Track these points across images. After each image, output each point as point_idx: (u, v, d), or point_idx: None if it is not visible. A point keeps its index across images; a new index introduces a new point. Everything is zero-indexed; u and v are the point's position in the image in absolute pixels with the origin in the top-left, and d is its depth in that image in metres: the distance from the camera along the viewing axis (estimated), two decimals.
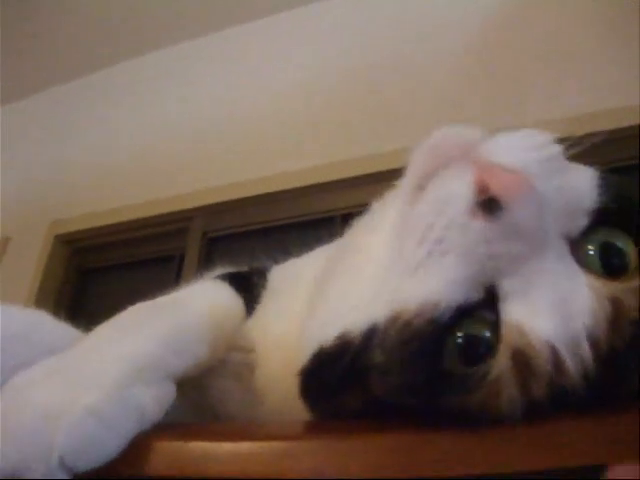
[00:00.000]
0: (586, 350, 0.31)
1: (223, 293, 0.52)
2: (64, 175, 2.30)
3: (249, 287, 0.55)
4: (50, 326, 0.47)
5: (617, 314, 0.31)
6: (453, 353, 0.32)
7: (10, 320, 0.44)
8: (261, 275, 0.57)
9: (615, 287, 0.32)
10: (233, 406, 0.50)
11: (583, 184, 0.35)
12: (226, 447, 0.35)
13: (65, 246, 2.21)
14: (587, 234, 0.34)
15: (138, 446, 0.35)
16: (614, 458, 0.29)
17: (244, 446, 0.34)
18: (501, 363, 0.31)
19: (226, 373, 0.50)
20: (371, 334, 0.34)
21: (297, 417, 0.41)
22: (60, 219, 2.23)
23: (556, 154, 0.36)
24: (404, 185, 0.37)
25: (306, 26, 2.12)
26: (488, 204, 0.32)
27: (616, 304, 0.31)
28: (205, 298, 0.50)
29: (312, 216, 1.79)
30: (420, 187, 0.36)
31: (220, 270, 0.59)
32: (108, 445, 0.33)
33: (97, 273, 2.22)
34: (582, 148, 0.37)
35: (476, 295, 0.32)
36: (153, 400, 0.37)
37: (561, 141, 0.36)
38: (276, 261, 0.61)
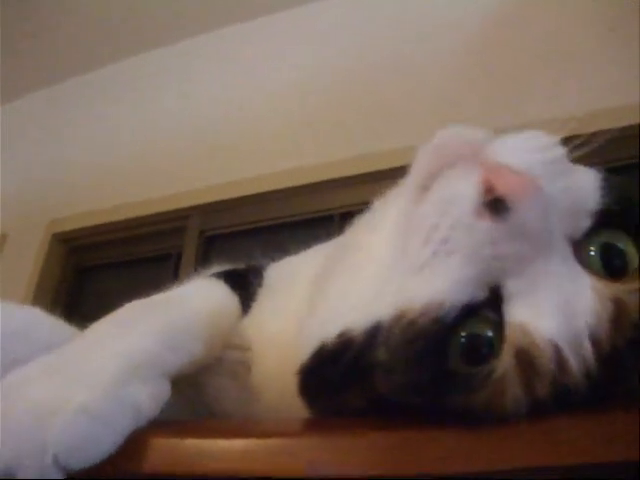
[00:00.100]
0: (588, 350, 0.31)
1: (219, 291, 0.52)
2: (61, 174, 2.30)
3: (245, 285, 0.55)
4: (46, 323, 0.47)
5: (619, 314, 0.32)
6: (457, 352, 0.32)
7: (9, 317, 0.44)
8: (257, 273, 0.57)
9: (617, 288, 0.32)
10: (229, 404, 0.50)
11: (586, 185, 0.36)
12: (221, 444, 0.35)
13: (62, 244, 2.21)
14: (589, 235, 0.34)
15: (134, 443, 0.35)
16: (614, 456, 0.29)
17: (239, 443, 0.35)
18: (505, 362, 0.31)
19: (222, 371, 0.50)
20: (375, 332, 0.34)
21: (293, 415, 0.41)
22: (57, 218, 2.22)
23: (560, 156, 0.36)
24: (408, 184, 0.38)
25: (303, 25, 2.12)
26: (494, 205, 0.32)
27: (618, 305, 0.32)
28: (201, 296, 0.50)
29: (309, 215, 1.79)
30: (424, 187, 0.36)
31: (217, 268, 0.59)
32: (102, 443, 0.33)
33: (94, 271, 2.22)
34: (588, 149, 0.37)
35: (481, 295, 0.33)
36: (148, 397, 0.37)
37: (565, 142, 0.37)
38: (272, 259, 0.61)
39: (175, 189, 2.02)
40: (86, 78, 2.47)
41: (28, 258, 2.16)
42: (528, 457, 0.30)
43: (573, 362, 0.31)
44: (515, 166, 0.33)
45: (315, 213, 1.77)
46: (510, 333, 0.32)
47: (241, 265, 0.60)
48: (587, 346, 0.31)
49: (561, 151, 0.36)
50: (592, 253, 0.34)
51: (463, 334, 0.32)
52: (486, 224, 0.32)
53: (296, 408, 0.40)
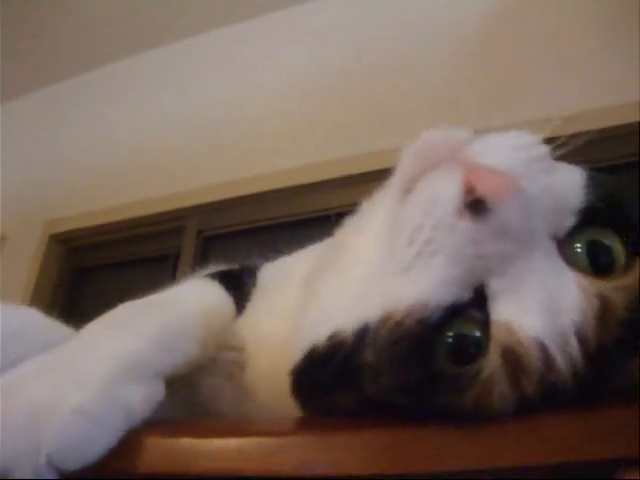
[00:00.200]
0: (575, 347, 0.31)
1: (213, 292, 0.53)
2: (59, 174, 2.30)
3: (239, 285, 0.55)
4: (42, 324, 0.47)
5: (605, 311, 0.32)
6: (444, 353, 0.32)
7: (5, 318, 0.44)
8: (251, 273, 0.57)
9: (603, 285, 0.32)
10: (224, 403, 0.50)
11: (570, 184, 0.36)
12: (215, 443, 0.35)
13: (60, 245, 2.21)
14: (575, 233, 0.34)
15: (129, 442, 0.35)
16: (602, 454, 0.29)
17: (233, 442, 0.35)
18: (492, 361, 0.31)
19: (217, 371, 0.50)
20: (363, 334, 0.34)
21: (287, 414, 0.41)
22: (55, 218, 2.22)
23: (543, 154, 0.36)
24: (393, 186, 0.38)
25: (301, 25, 2.12)
26: (475, 205, 0.32)
27: (604, 301, 0.32)
28: (195, 297, 0.50)
29: (308, 215, 1.79)
30: (409, 188, 0.36)
31: (213, 268, 0.60)
32: (96, 444, 0.33)
33: (92, 272, 2.22)
34: (569, 148, 0.37)
35: (466, 295, 0.33)
36: (142, 398, 0.37)
37: (548, 141, 0.37)
38: (267, 259, 0.61)
39: (173, 189, 2.02)
40: (83, 78, 2.47)
41: (26, 259, 2.16)
42: (517, 455, 0.30)
43: (560, 360, 0.31)
44: (496, 166, 0.33)
45: (313, 213, 1.77)
46: (496, 332, 0.32)
47: (236, 265, 0.61)
48: (573, 343, 0.31)
49: (544, 150, 0.36)
50: (578, 250, 0.34)
51: (450, 334, 0.33)
52: (467, 224, 0.32)
53: (290, 407, 0.40)
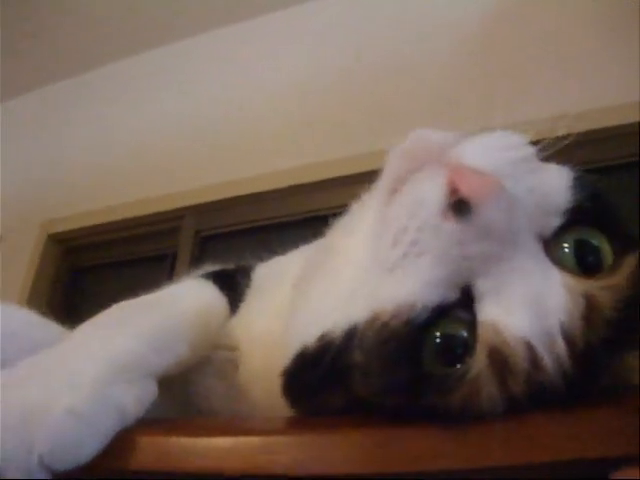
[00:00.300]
0: (562, 346, 0.31)
1: (207, 292, 0.53)
2: (57, 174, 2.29)
3: (233, 285, 0.55)
4: (36, 324, 0.47)
5: (591, 311, 0.32)
6: (432, 353, 0.33)
7: (1, 319, 0.44)
8: (245, 273, 0.58)
9: (590, 284, 0.32)
10: (217, 402, 0.50)
11: (556, 184, 0.36)
12: (206, 442, 0.36)
13: (57, 245, 2.21)
14: (562, 233, 0.34)
15: (122, 441, 0.36)
16: (591, 454, 0.30)
17: (224, 441, 0.35)
18: (479, 362, 0.31)
19: (211, 370, 0.50)
20: (351, 335, 0.34)
21: (280, 413, 0.41)
22: (52, 218, 2.22)
23: (529, 155, 0.36)
24: (380, 188, 0.38)
25: (301, 25, 2.11)
26: (458, 206, 0.32)
27: (590, 301, 0.32)
28: (189, 297, 0.51)
29: (306, 215, 1.78)
30: (395, 189, 0.36)
31: (207, 268, 0.60)
32: (87, 445, 0.34)
33: (89, 272, 2.22)
34: (555, 149, 0.37)
35: (452, 295, 0.33)
36: (134, 398, 0.38)
37: (535, 143, 0.37)
38: (261, 259, 0.61)
39: (170, 189, 2.02)
40: (82, 78, 2.46)
41: (23, 258, 2.16)
42: (505, 455, 0.30)
43: (547, 359, 0.31)
44: (481, 166, 0.34)
45: (311, 213, 1.77)
46: (483, 332, 0.32)
47: (230, 265, 0.61)
48: (560, 343, 0.31)
49: (530, 150, 0.36)
50: (565, 250, 0.34)
51: (437, 335, 0.33)
52: (452, 225, 0.32)
53: (282, 407, 0.41)
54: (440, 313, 0.33)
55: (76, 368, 0.37)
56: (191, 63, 2.27)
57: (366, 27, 1.96)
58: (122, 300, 0.46)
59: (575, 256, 0.34)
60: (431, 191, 0.34)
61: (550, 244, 0.34)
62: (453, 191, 0.33)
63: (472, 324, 0.32)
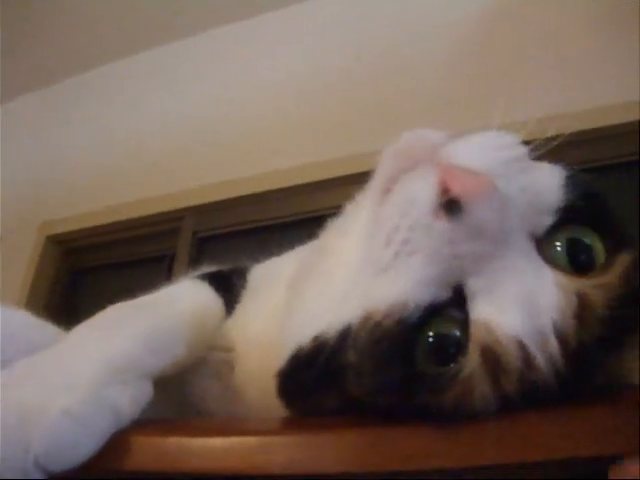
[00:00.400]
0: (554, 345, 0.31)
1: (203, 293, 0.53)
2: (55, 175, 2.29)
3: (229, 286, 0.55)
4: (32, 325, 0.47)
5: (584, 309, 0.32)
6: (424, 352, 0.33)
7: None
8: (241, 275, 0.58)
9: (582, 283, 0.33)
10: (213, 403, 0.50)
11: (549, 183, 0.36)
12: (202, 442, 0.36)
13: (56, 246, 2.20)
14: (554, 232, 0.35)
15: (119, 442, 0.36)
16: (584, 452, 0.30)
17: (219, 441, 0.35)
18: (472, 361, 0.31)
19: (206, 371, 0.50)
20: (345, 335, 0.35)
21: (276, 413, 0.42)
22: (51, 220, 2.22)
23: (521, 154, 0.36)
24: (372, 188, 0.38)
25: (300, 24, 2.11)
26: (450, 205, 0.32)
27: (583, 299, 0.32)
28: (185, 298, 0.51)
29: (304, 215, 1.78)
30: (388, 189, 0.36)
31: (204, 269, 0.60)
32: (83, 446, 0.34)
33: (88, 273, 2.21)
34: (547, 149, 0.37)
35: (444, 295, 0.33)
36: (129, 399, 0.38)
37: (527, 142, 0.37)
38: (257, 261, 0.61)
39: (168, 190, 2.01)
40: (79, 79, 2.46)
41: (22, 260, 2.15)
42: (498, 454, 0.30)
43: (539, 358, 0.31)
44: (472, 166, 0.34)
45: (310, 213, 1.77)
46: (475, 331, 0.32)
47: (225, 266, 0.61)
48: (553, 342, 0.31)
49: (522, 150, 0.37)
50: (558, 249, 0.34)
51: (430, 334, 0.33)
52: (443, 224, 0.32)
53: (278, 407, 0.41)
54: (432, 312, 0.33)
55: (72, 369, 0.37)
56: (190, 63, 2.26)
57: (366, 27, 1.95)
58: (121, 301, 0.46)
59: (567, 255, 0.34)
60: (423, 190, 0.34)
61: (542, 243, 0.34)
62: (444, 190, 0.33)
63: (464, 323, 0.33)
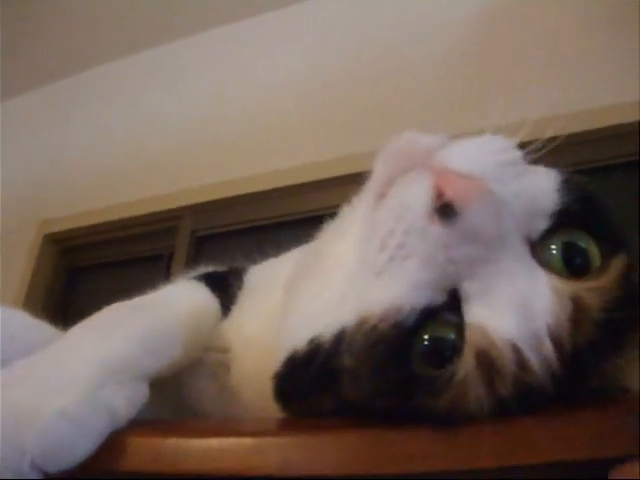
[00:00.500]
0: (549, 349, 0.31)
1: (199, 294, 0.53)
2: (53, 174, 2.29)
3: (225, 287, 0.55)
4: (29, 325, 0.47)
5: (578, 312, 0.32)
6: (420, 356, 0.33)
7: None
8: (237, 276, 0.58)
9: (577, 286, 0.32)
10: (210, 404, 0.50)
11: (544, 186, 0.36)
12: (198, 443, 0.36)
13: (54, 245, 2.20)
14: (549, 235, 0.35)
15: (116, 443, 0.36)
16: (579, 455, 0.30)
17: (215, 442, 0.35)
18: (467, 363, 0.31)
19: (203, 372, 0.51)
20: (340, 338, 0.35)
21: (272, 415, 0.42)
22: (49, 218, 2.22)
23: (515, 158, 0.36)
24: (368, 191, 0.38)
25: (300, 24, 2.11)
26: (444, 209, 0.32)
27: (577, 303, 0.32)
28: (181, 299, 0.51)
29: (303, 215, 1.78)
30: (383, 193, 0.36)
31: (201, 270, 0.60)
32: (79, 447, 0.34)
33: (86, 272, 2.21)
34: (542, 152, 0.37)
35: (439, 298, 0.33)
36: (125, 400, 0.38)
37: (522, 146, 0.37)
38: (254, 261, 0.61)
39: (167, 189, 2.02)
40: (79, 79, 2.46)
41: (20, 259, 2.15)
42: (494, 456, 0.30)
43: (534, 362, 0.31)
44: (467, 170, 0.34)
45: (308, 213, 1.77)
46: (470, 335, 0.32)
47: (222, 267, 0.61)
48: (548, 345, 0.31)
49: (517, 154, 0.37)
50: (553, 252, 0.34)
51: (426, 337, 0.33)
52: (437, 229, 0.32)
53: (273, 408, 0.41)
54: (428, 316, 0.33)
55: (68, 370, 0.37)
56: (190, 63, 2.27)
57: (366, 27, 1.95)
58: (118, 300, 0.47)
59: (562, 258, 0.34)
60: (417, 194, 0.34)
61: (537, 247, 0.34)
62: (439, 195, 0.33)
63: (460, 326, 0.33)
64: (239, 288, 0.56)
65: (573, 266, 0.34)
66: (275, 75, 2.04)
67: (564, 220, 0.35)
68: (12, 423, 0.33)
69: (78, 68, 2.43)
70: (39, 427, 0.33)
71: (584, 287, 0.32)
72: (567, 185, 0.36)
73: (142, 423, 0.39)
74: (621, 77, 1.47)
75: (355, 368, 0.34)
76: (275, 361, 0.40)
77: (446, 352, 0.32)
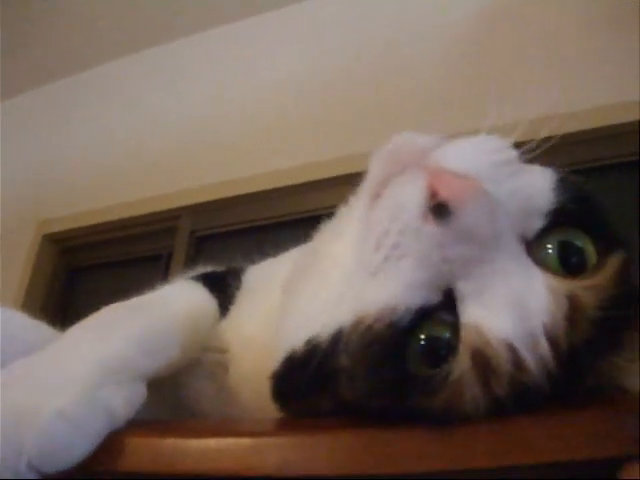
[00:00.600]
0: (545, 348, 0.31)
1: (197, 294, 0.53)
2: (53, 174, 2.29)
3: (223, 287, 0.56)
4: (26, 326, 0.47)
5: (574, 311, 0.32)
6: (416, 355, 0.33)
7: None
8: (235, 276, 0.58)
9: (573, 285, 0.33)
10: (208, 404, 0.50)
11: (539, 186, 0.36)
12: (196, 444, 0.36)
13: (53, 245, 2.21)
14: (545, 234, 0.35)
15: (115, 443, 0.36)
16: (575, 455, 0.30)
17: (213, 443, 0.35)
18: (462, 363, 0.31)
19: (201, 373, 0.51)
20: (337, 339, 0.35)
21: (270, 415, 0.42)
22: (48, 218, 2.22)
23: (511, 158, 0.36)
24: (363, 191, 0.38)
25: (299, 24, 2.11)
26: (438, 209, 0.32)
27: (573, 301, 0.32)
28: (179, 299, 0.51)
29: (302, 215, 1.78)
30: (378, 193, 0.36)
31: (199, 270, 0.60)
32: (77, 447, 0.34)
33: (85, 272, 2.22)
34: (538, 152, 0.38)
35: (434, 298, 0.33)
36: (123, 400, 0.38)
37: (517, 145, 0.37)
38: (252, 262, 0.61)
39: (166, 189, 2.02)
40: (79, 78, 2.46)
41: (19, 259, 2.15)
42: (490, 456, 0.30)
43: (530, 361, 0.31)
44: (460, 170, 0.34)
45: (308, 213, 1.77)
46: (465, 334, 0.32)
47: (220, 267, 0.61)
48: (543, 344, 0.31)
49: (512, 153, 0.37)
50: (549, 251, 0.34)
51: (422, 337, 0.33)
52: (432, 228, 0.32)
53: (271, 409, 0.41)
54: (423, 315, 0.33)
55: (66, 370, 0.37)
56: (189, 63, 2.26)
57: (366, 27, 1.95)
58: (117, 300, 0.47)
59: (558, 257, 0.34)
60: (412, 195, 0.34)
61: (533, 246, 0.34)
62: (433, 194, 0.33)
63: (455, 326, 0.33)
64: (237, 288, 0.56)
65: (569, 265, 0.34)
66: (275, 75, 2.04)
67: (560, 219, 0.35)
68: (10, 423, 0.33)
69: (78, 68, 2.43)
70: (37, 427, 0.33)
71: (580, 286, 0.32)
72: (563, 184, 0.36)
73: (140, 423, 0.39)
74: (621, 77, 1.47)
75: (352, 368, 0.34)
76: (273, 361, 0.40)
77: (441, 351, 0.32)
